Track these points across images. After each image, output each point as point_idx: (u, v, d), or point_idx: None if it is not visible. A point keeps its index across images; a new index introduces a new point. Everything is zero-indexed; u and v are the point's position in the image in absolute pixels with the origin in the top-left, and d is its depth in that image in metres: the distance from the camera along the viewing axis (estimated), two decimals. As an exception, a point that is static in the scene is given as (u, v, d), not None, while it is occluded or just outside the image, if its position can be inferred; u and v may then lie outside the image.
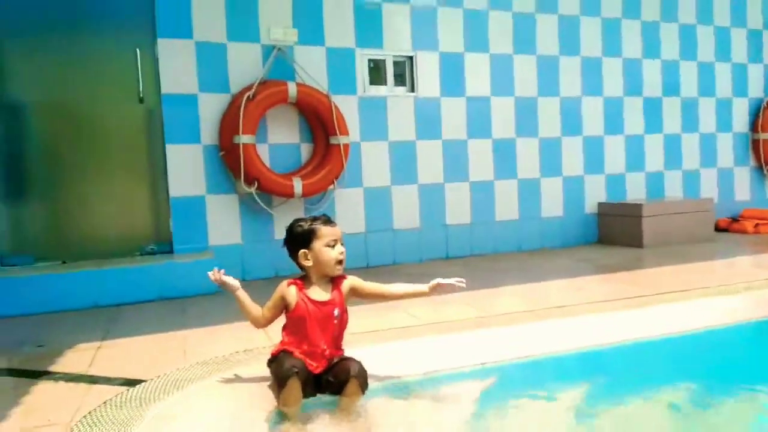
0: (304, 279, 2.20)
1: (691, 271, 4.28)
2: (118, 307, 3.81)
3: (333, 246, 2.15)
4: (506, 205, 5.68)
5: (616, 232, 5.81)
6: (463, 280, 2.22)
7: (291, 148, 4.89)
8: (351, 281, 2.24)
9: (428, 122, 5.34)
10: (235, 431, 1.90)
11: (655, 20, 6.27)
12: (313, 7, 4.90)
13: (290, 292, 2.14)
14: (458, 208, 5.48)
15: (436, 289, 2.22)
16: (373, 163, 5.15)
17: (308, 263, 2.15)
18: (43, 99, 4.36)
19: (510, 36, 5.62)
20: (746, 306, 3.29)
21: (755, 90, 6.84)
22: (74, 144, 4.44)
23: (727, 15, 6.65)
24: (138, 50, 4.46)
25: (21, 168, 4.33)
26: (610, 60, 6.07)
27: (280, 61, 4.74)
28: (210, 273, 2.25)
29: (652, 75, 6.29)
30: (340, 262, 2.16)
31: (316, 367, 2.11)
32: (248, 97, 4.45)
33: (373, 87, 5.20)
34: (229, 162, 4.56)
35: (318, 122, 4.83)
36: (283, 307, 2.16)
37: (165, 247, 4.59)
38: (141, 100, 4.52)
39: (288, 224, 2.24)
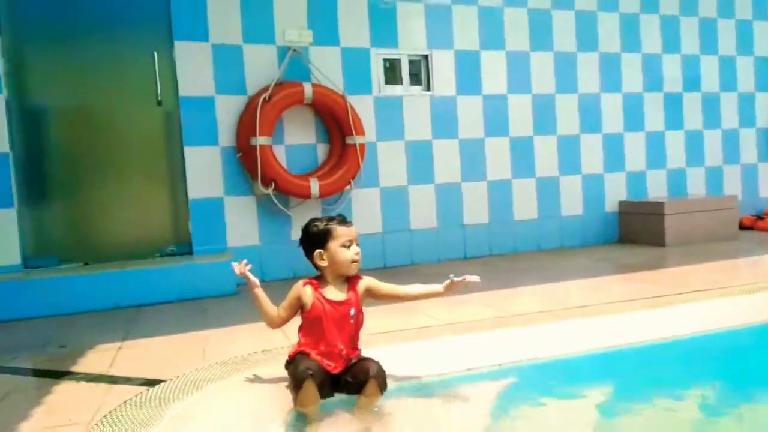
0: (319, 279, 2.20)
1: (715, 270, 4.20)
2: (139, 308, 3.86)
3: (348, 246, 2.14)
4: (525, 204, 5.63)
5: (637, 231, 5.72)
6: (478, 277, 2.20)
7: (307, 148, 4.90)
8: (367, 282, 2.24)
9: (444, 121, 5.32)
10: (254, 431, 1.89)
11: (675, 14, 6.17)
12: (328, 8, 4.91)
13: (306, 292, 2.15)
14: (476, 208, 5.45)
15: (451, 288, 2.21)
16: (390, 162, 5.15)
17: (324, 263, 2.15)
18: (63, 103, 4.43)
19: (526, 33, 5.58)
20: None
21: (779, 83, 6.70)
22: (94, 147, 4.50)
23: (748, 8, 6.52)
24: (155, 54, 4.51)
25: (43, 172, 4.41)
26: (629, 55, 5.98)
27: (295, 62, 4.76)
28: (235, 264, 2.25)
29: (672, 70, 6.19)
30: (355, 262, 2.15)
31: (335, 367, 2.11)
32: (264, 98, 4.48)
33: (389, 86, 5.19)
34: (247, 163, 4.59)
35: (334, 123, 4.84)
36: (299, 307, 2.16)
37: (184, 248, 4.64)
38: (159, 103, 4.57)
39: (304, 224, 2.25)
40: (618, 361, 2.52)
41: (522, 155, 5.60)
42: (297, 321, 2.21)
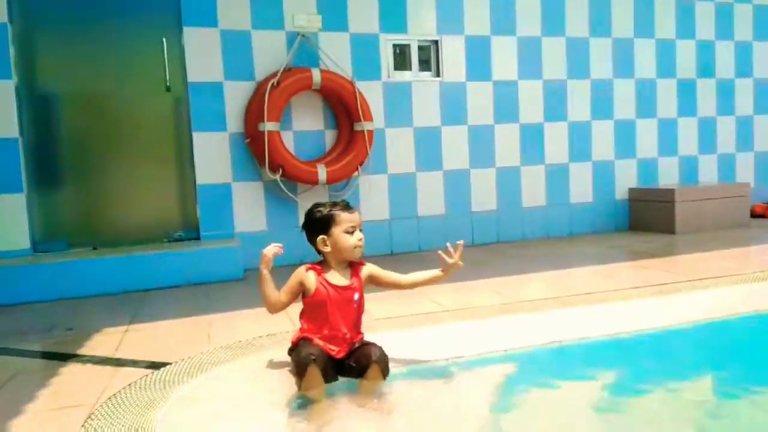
0: (322, 264, 2.19)
1: (725, 257, 4.15)
2: (146, 292, 3.88)
3: (352, 232, 2.13)
4: (534, 192, 5.58)
5: (647, 218, 5.67)
6: (462, 242, 2.20)
7: (315, 134, 4.89)
8: (369, 269, 2.24)
9: (454, 107, 5.27)
10: (258, 414, 1.90)
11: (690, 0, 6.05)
12: (337, -7, 4.87)
13: (309, 277, 2.14)
14: (484, 195, 5.42)
15: (450, 267, 2.19)
16: (398, 149, 5.12)
17: (327, 249, 2.15)
18: (73, 89, 4.44)
19: (538, 18, 5.50)
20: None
21: (796, 70, 6.57)
22: (103, 133, 4.52)
23: (766, -8, 6.38)
24: (164, 39, 4.50)
25: (52, 157, 4.43)
26: (643, 41, 5.89)
27: (304, 47, 4.73)
28: (274, 245, 2.17)
29: (686, 56, 6.09)
30: (358, 247, 2.14)
31: (338, 351, 2.11)
32: (273, 84, 4.46)
33: (398, 72, 5.15)
34: (254, 149, 4.58)
35: (342, 109, 4.81)
36: (300, 292, 2.16)
37: (192, 233, 4.66)
38: (168, 89, 4.57)
39: (308, 209, 2.24)
40: (625, 348, 2.50)
41: (532, 142, 5.54)
42: (298, 307, 2.21)
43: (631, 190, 5.87)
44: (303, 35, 4.71)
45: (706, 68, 6.18)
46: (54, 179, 4.44)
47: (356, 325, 2.18)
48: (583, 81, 5.68)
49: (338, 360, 2.11)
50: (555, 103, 5.60)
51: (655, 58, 5.96)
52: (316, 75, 4.60)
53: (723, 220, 5.58)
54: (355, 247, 2.14)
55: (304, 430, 1.80)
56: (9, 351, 2.67)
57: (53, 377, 2.29)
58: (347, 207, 2.17)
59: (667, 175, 6.10)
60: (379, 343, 2.13)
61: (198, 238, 4.62)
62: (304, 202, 4.70)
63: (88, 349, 2.65)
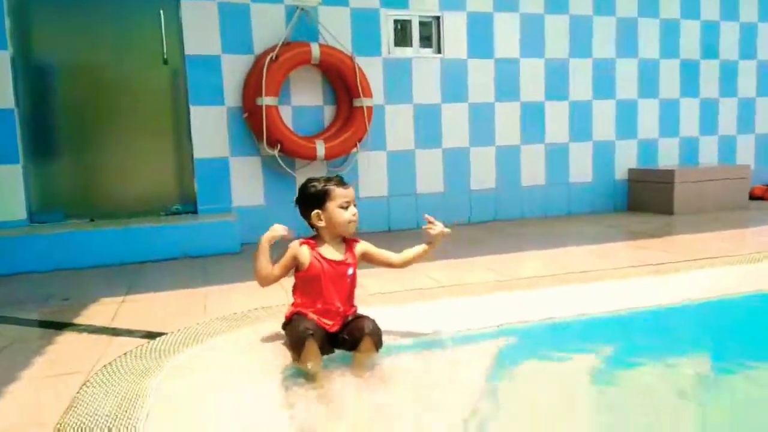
0: (316, 239, 2.19)
1: (722, 238, 4.15)
2: (143, 264, 3.89)
3: (346, 207, 2.13)
4: (533, 171, 5.57)
5: (646, 199, 5.66)
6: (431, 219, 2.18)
7: (314, 110, 4.85)
8: (364, 246, 2.25)
9: (454, 85, 5.23)
10: (252, 385, 1.91)
11: (696, -22, 5.97)
12: (337, -34, 4.79)
13: (303, 251, 2.14)
14: (483, 173, 5.40)
15: (436, 238, 2.18)
16: (397, 126, 5.09)
17: (321, 223, 2.14)
18: (69, 61, 4.39)
19: (541, -6, 5.43)
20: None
21: (800, 52, 6.50)
22: (100, 105, 4.48)
23: (773, -28, 6.29)
24: (162, 12, 4.44)
25: (49, 128, 4.40)
26: (646, 21, 5.82)
27: (303, 21, 4.67)
28: (286, 228, 2.15)
29: (690, 36, 6.02)
30: (352, 222, 2.14)
31: (332, 325, 2.12)
32: (271, 58, 4.41)
33: (398, 48, 5.09)
34: (252, 124, 4.55)
35: (341, 84, 4.77)
36: (293, 266, 2.15)
37: (189, 207, 4.65)
38: (165, 62, 4.52)
39: (301, 184, 2.23)
40: (620, 325, 2.51)
41: (532, 121, 5.51)
42: (290, 282, 2.21)
43: (630, 171, 5.86)
44: (302, 9, 4.65)
45: (709, 49, 6.12)
46: (51, 150, 4.42)
47: (349, 299, 2.19)
48: (585, 60, 5.63)
49: (332, 333, 2.12)
50: (556, 81, 5.55)
51: (659, 38, 5.90)
52: (315, 49, 4.55)
53: (722, 202, 5.58)
54: (349, 222, 2.14)
55: (298, 401, 1.81)
56: (6, 319, 2.69)
57: (49, 345, 2.31)
58: (342, 182, 2.16)
59: (668, 156, 6.07)
60: (373, 317, 2.13)
61: (195, 212, 4.61)
62: (302, 178, 4.57)
63: (84, 318, 2.66)
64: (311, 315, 2.11)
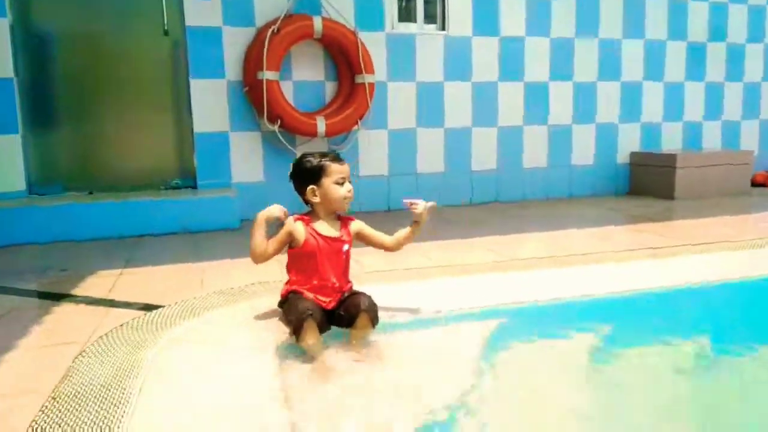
0: (310, 215, 2.18)
1: (722, 224, 4.14)
2: (141, 238, 3.88)
3: (342, 184, 2.12)
4: (535, 152, 5.53)
5: (647, 183, 5.63)
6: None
7: (315, 85, 4.80)
8: (359, 225, 2.24)
9: (458, 63, 5.17)
10: (248, 358, 1.92)
11: (707, -42, 5.86)
12: (341, -63, 4.70)
13: (298, 228, 2.12)
14: (485, 154, 5.36)
15: (421, 218, 2.16)
16: (399, 104, 5.04)
17: (316, 199, 2.13)
18: (68, 29, 4.34)
19: (548, -28, 5.33)
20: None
21: (809, 37, 6.40)
22: (100, 75, 4.44)
23: (786, -47, 6.17)
24: (162, -20, 4.37)
25: (49, 98, 4.36)
26: (654, 2, 5.72)
27: (306, -6, 4.60)
28: (280, 210, 2.12)
29: (697, 18, 5.92)
30: (347, 198, 2.13)
31: (329, 302, 2.12)
32: (273, 31, 4.35)
33: (402, 24, 5.02)
34: (253, 98, 4.50)
35: (343, 59, 4.71)
36: (287, 243, 2.14)
37: (189, 182, 4.63)
38: (166, 33, 4.45)
39: (296, 159, 2.21)
40: (616, 308, 2.51)
41: (536, 101, 5.46)
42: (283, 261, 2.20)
43: (632, 154, 5.82)
44: (305, -19, 4.57)
45: (717, 31, 6.03)
46: (50, 121, 4.38)
47: (345, 275, 2.19)
48: (591, 40, 5.55)
49: (329, 311, 2.12)
50: (562, 61, 5.48)
51: (666, 19, 5.81)
52: (318, 23, 4.48)
53: (724, 188, 5.55)
54: (344, 199, 2.12)
55: (293, 376, 1.81)
56: (4, 290, 2.69)
57: (46, 315, 2.31)
58: (337, 158, 2.15)
59: (671, 141, 6.03)
60: (369, 294, 2.13)
61: (195, 186, 4.59)
62: (303, 154, 4.65)
63: (81, 289, 2.66)
64: (307, 293, 2.11)
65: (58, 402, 1.58)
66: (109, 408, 1.54)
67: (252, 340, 2.06)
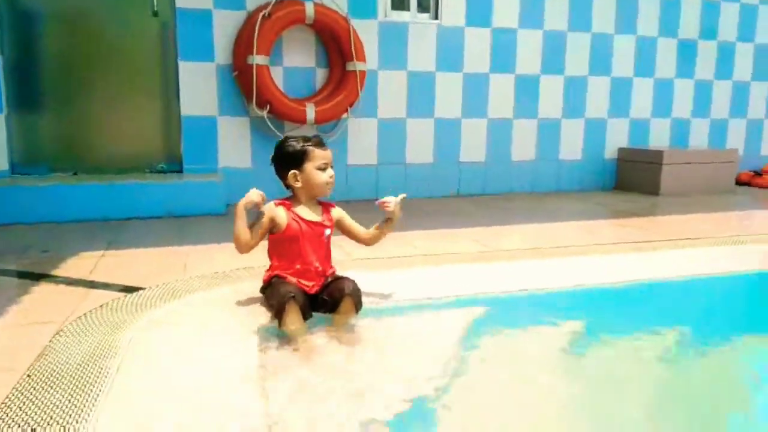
0: (291, 199, 2.16)
1: (705, 221, 4.18)
2: (125, 221, 3.85)
3: (324, 169, 2.10)
4: (523, 145, 5.54)
5: (634, 179, 5.67)
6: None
7: (305, 72, 4.77)
8: (340, 213, 2.24)
9: (450, 53, 5.15)
10: (229, 342, 1.91)
11: (699, -44, 5.87)
12: None
13: (279, 213, 2.11)
14: (473, 146, 5.37)
15: (394, 215, 2.17)
16: (390, 93, 5.02)
17: (298, 184, 2.12)
18: (56, 8, 4.27)
19: (542, -35, 5.32)
20: (757, 257, 3.21)
21: (799, 38, 6.45)
22: (88, 55, 4.38)
23: (778, -46, 6.19)
24: (152, -40, 4.31)
25: (34, 77, 4.30)
26: (648, -4, 5.73)
27: (298, -22, 4.55)
28: (258, 195, 2.07)
29: (689, 15, 5.94)
30: (329, 184, 2.12)
31: (312, 286, 2.12)
32: (264, 15, 4.31)
33: (395, 12, 5.00)
34: (242, 83, 4.46)
35: (335, 46, 4.68)
36: (270, 228, 2.12)
37: (175, 166, 4.59)
38: (155, 14, 4.40)
39: (278, 142, 2.19)
40: (598, 299, 2.54)
41: (526, 94, 5.46)
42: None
43: (620, 150, 5.85)
44: (298, -34, 4.52)
45: (708, 29, 6.05)
46: (35, 101, 4.32)
47: (327, 258, 2.19)
48: (584, 34, 5.56)
49: (312, 295, 2.11)
50: (553, 55, 5.48)
51: (659, 15, 5.82)
52: (310, 8, 4.44)
53: (709, 185, 5.60)
54: (326, 184, 2.11)
55: (273, 359, 1.81)
56: (-18, 268, 2.66)
57: (25, 295, 2.29)
58: (320, 143, 2.13)
59: (659, 137, 6.06)
60: (353, 279, 2.13)
61: (181, 170, 4.56)
62: (291, 141, 4.62)
63: (62, 270, 2.64)
64: (290, 278, 2.10)
65: (33, 380, 1.57)
66: (85, 387, 1.53)
67: (233, 324, 2.05)
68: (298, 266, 2.11)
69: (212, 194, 4.17)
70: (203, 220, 3.90)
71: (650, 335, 2.09)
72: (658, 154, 5.45)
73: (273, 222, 2.11)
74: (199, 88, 4.48)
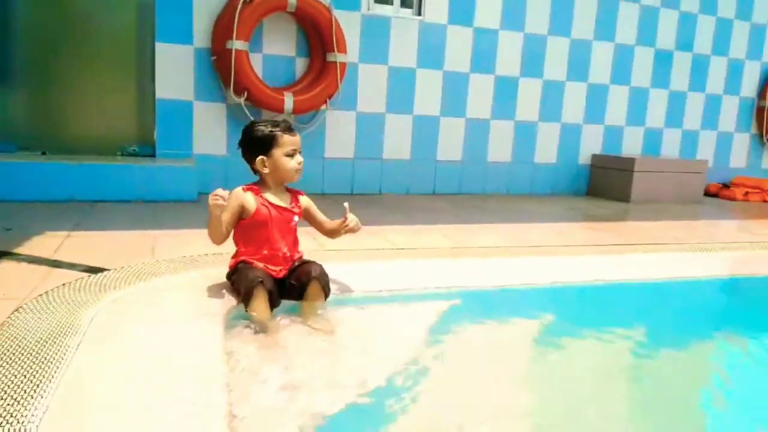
0: (259, 185, 2.14)
1: (672, 227, 4.27)
2: (95, 203, 3.76)
3: (292, 155, 2.08)
4: (500, 147, 5.58)
5: (605, 185, 5.76)
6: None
7: (286, 60, 4.73)
8: (308, 201, 2.22)
9: (432, 50, 5.16)
10: (193, 324, 1.88)
11: (678, -31, 5.99)
12: None
13: (248, 198, 2.08)
14: (451, 145, 5.39)
15: (351, 231, 2.16)
16: (370, 87, 5.01)
17: (265, 170, 2.09)
18: (30, -20, 4.16)
19: (526, -33, 5.36)
20: (720, 263, 3.30)
21: (770, 55, 6.63)
22: (62, 32, 4.28)
23: (753, -28, 6.35)
24: (132, -62, 4.22)
25: (5, 54, 4.18)
26: (628, 5, 5.82)
27: (282, -34, 4.50)
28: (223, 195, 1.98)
29: (667, 26, 6.05)
30: (298, 171, 2.10)
31: (279, 271, 2.10)
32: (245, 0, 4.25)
33: (378, 6, 4.98)
34: (220, 68, 4.40)
35: (316, 36, 4.65)
36: (240, 215, 2.08)
37: (148, 149, 4.51)
38: (133, -7, 4.31)
39: (246, 126, 2.16)
40: (564, 296, 2.58)
41: (505, 96, 5.50)
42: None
43: (593, 156, 5.93)
44: (282, -47, 4.48)
45: (685, 41, 6.17)
46: (5, 77, 4.20)
47: (295, 244, 2.17)
48: (563, 39, 5.62)
49: (279, 280, 2.09)
50: (533, 58, 5.53)
51: (637, 24, 5.91)
52: (293, -4, 4.40)
53: (678, 195, 5.72)
54: (295, 171, 2.09)
55: (238, 344, 1.79)
56: (-60, 243, 2.57)
57: (-16, 271, 2.22)
58: (289, 128, 2.11)
59: (632, 146, 6.17)
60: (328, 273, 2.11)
61: (153, 155, 4.47)
62: (268, 130, 4.58)
63: (25, 248, 2.56)
64: (257, 263, 2.08)
65: (-12, 356, 1.52)
66: (42, 363, 1.49)
67: (199, 307, 2.02)
68: (265, 252, 2.09)
69: (185, 180, 4.10)
70: (174, 206, 3.84)
71: (615, 333, 2.13)
72: (630, 162, 5.54)
73: (242, 208, 2.08)
74: (175, 70, 4.40)
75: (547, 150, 5.78)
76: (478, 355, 1.89)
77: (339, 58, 4.61)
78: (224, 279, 2.24)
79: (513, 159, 5.65)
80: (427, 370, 1.72)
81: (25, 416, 1.25)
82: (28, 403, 1.30)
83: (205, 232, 2.11)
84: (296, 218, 2.15)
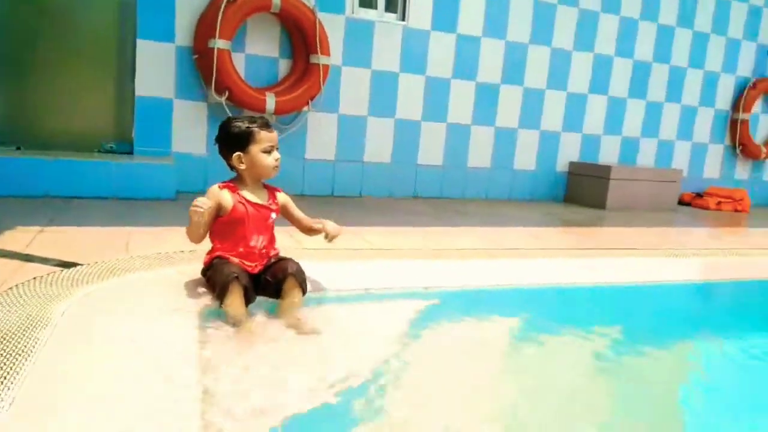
0: (236, 181, 2.13)
1: (645, 234, 4.35)
2: (70, 199, 3.71)
3: (270, 152, 2.08)
4: (480, 152, 5.63)
5: (582, 192, 5.84)
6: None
7: (268, 61, 4.72)
8: (286, 199, 2.23)
9: (414, 55, 5.19)
10: (165, 319, 1.86)
11: (656, -18, 6.12)
12: None
13: (224, 195, 2.07)
14: (431, 149, 5.42)
15: (324, 231, 2.21)
16: (352, 90, 5.02)
17: (242, 167, 2.09)
18: (8, -28, 4.10)
19: (509, -24, 5.43)
20: (691, 269, 3.37)
21: (744, 68, 6.78)
22: (41, 27, 4.22)
23: (730, -13, 6.51)
24: (115, -67, 4.18)
25: (-21, 44, 4.11)
26: (608, 17, 5.92)
27: (266, -34, 4.50)
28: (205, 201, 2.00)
29: (645, 38, 6.17)
30: (276, 168, 2.10)
31: (255, 266, 2.09)
32: (229, -1, 4.24)
33: (362, 10, 5.00)
34: (202, 67, 4.38)
35: (300, 38, 4.65)
36: (217, 212, 2.07)
37: (125, 147, 4.46)
38: (114, -11, 4.28)
39: (222, 121, 2.16)
40: (539, 298, 2.61)
41: (485, 102, 5.55)
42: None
43: (571, 164, 6.01)
44: (267, -47, 4.47)
45: (663, 53, 6.30)
46: (-21, 69, 4.13)
47: (272, 241, 2.17)
48: (544, 48, 5.69)
49: (255, 276, 2.08)
50: (514, 66, 5.60)
51: (617, 35, 6.02)
52: (277, -3, 4.40)
53: (653, 203, 5.83)
54: (273, 168, 2.09)
55: (211, 341, 1.78)
56: None
57: (-49, 264, 2.18)
58: (266, 124, 2.10)
59: (609, 154, 6.26)
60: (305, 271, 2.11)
61: (131, 152, 4.42)
62: (249, 130, 4.56)
63: (-5, 242, 2.52)
64: (233, 258, 2.07)
65: (-47, 348, 1.49)
66: (11, 356, 1.47)
67: (172, 303, 2.00)
68: (241, 249, 2.08)
69: (163, 178, 4.06)
70: (152, 205, 3.80)
71: (589, 333, 2.16)
72: (607, 170, 5.63)
73: (219, 206, 2.07)
74: (156, 68, 4.37)
75: (526, 156, 5.84)
76: (456, 353, 1.90)
77: (322, 60, 4.62)
78: (198, 275, 2.23)
79: (493, 165, 5.71)
80: (404, 369, 1.73)
81: (-10, 407, 1.23)
82: (-6, 395, 1.28)
83: (182, 230, 2.10)
84: (273, 215, 2.15)
